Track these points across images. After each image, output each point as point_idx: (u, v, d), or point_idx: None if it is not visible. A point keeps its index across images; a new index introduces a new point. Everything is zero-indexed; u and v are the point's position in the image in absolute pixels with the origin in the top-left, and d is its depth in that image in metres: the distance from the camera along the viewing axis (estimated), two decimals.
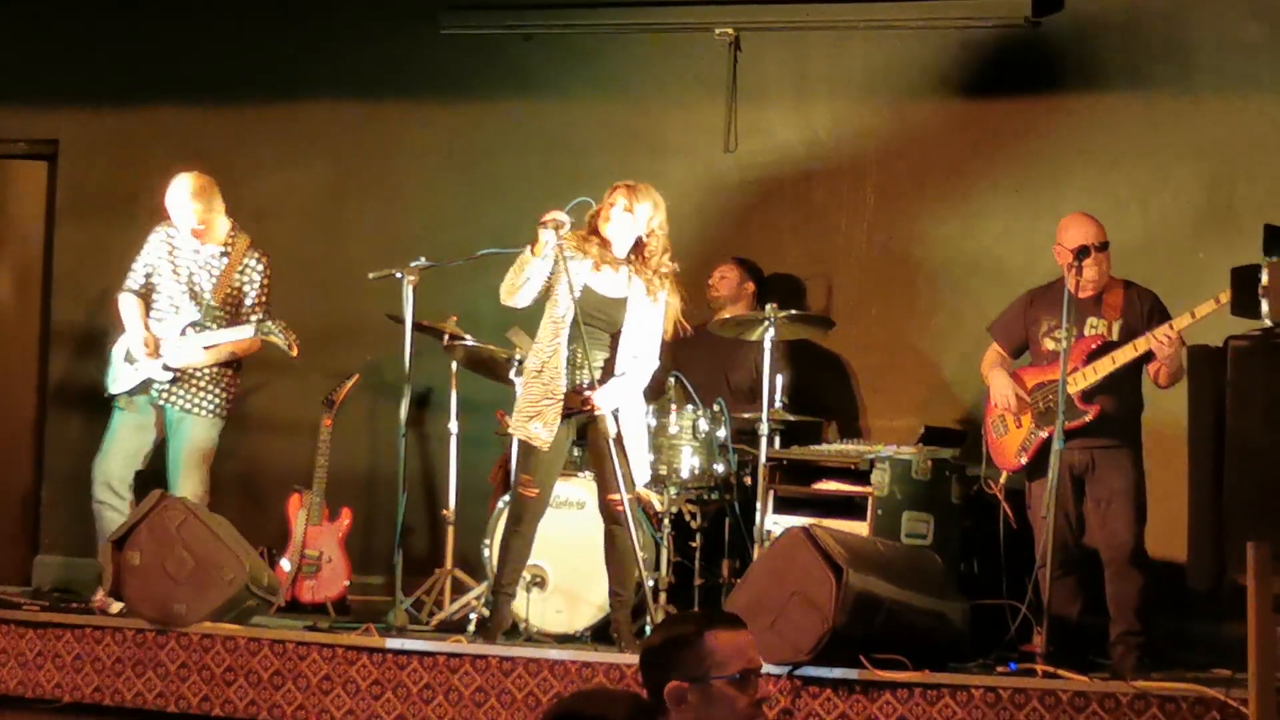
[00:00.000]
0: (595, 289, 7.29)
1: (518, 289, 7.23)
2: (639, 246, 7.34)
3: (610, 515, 7.25)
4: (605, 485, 7.26)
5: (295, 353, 8.05)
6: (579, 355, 7.20)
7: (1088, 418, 7.27)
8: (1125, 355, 7.26)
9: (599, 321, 7.27)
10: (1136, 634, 7.23)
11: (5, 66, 9.84)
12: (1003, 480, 7.59)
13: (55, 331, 9.83)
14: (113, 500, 8.05)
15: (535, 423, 7.20)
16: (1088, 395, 7.30)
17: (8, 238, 10.30)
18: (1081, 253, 7.24)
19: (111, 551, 7.42)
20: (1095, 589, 7.37)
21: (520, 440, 7.34)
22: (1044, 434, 7.35)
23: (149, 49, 9.71)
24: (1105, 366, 7.28)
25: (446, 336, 8.29)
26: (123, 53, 9.75)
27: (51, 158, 9.94)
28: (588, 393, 7.16)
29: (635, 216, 7.30)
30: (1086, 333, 7.40)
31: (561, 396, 7.20)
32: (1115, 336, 7.37)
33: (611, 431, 7.16)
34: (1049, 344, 7.48)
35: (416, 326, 7.74)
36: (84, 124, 9.82)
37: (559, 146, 9.11)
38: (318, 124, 9.60)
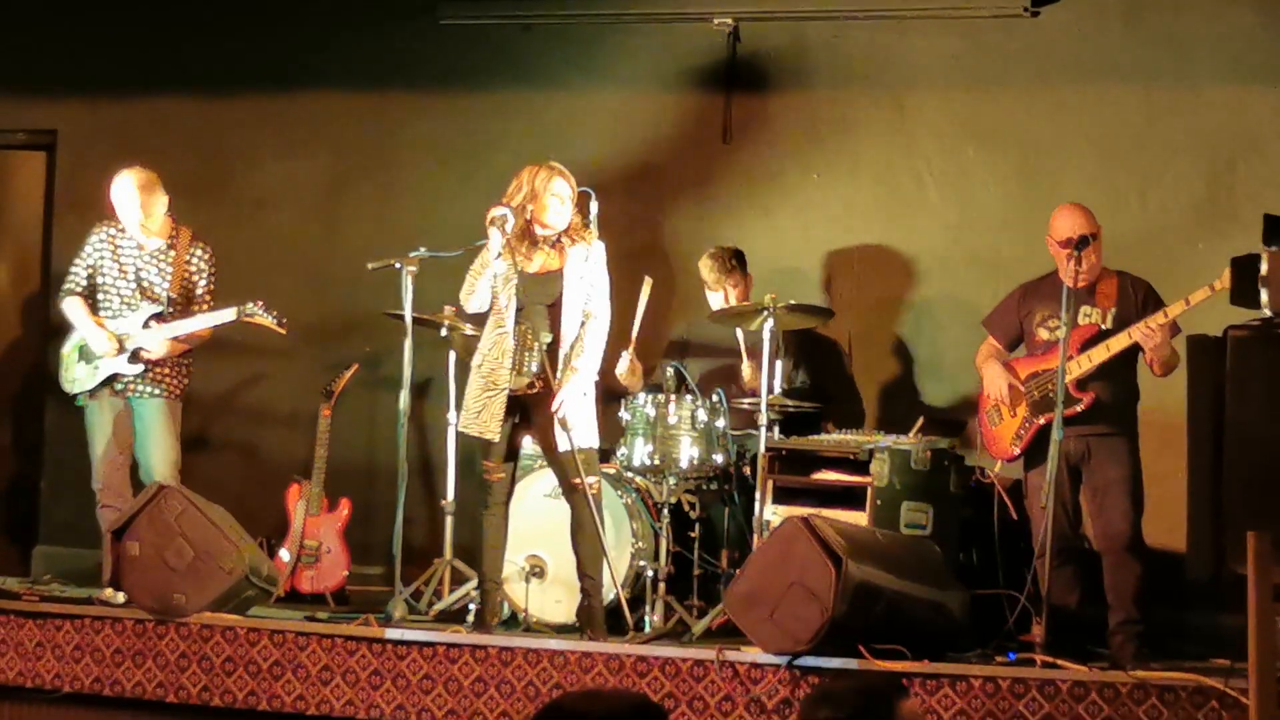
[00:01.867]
0: (529, 270, 7.37)
1: (476, 291, 7.34)
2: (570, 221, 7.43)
3: (576, 499, 7.30)
4: (563, 470, 7.32)
5: (284, 330, 8.09)
6: (528, 337, 7.26)
7: (1080, 406, 7.28)
8: (1119, 343, 7.27)
9: (537, 300, 7.33)
10: (1135, 622, 7.23)
11: (3, 56, 9.83)
12: (997, 469, 7.60)
13: (55, 322, 9.79)
14: (117, 503, 8.05)
15: (483, 416, 7.28)
16: (1082, 384, 7.32)
17: (6, 229, 10.29)
18: (1081, 243, 7.25)
19: (110, 542, 7.42)
20: (1093, 578, 7.37)
21: None
22: (1039, 421, 7.36)
23: (148, 39, 9.71)
24: (1099, 355, 7.29)
25: (445, 327, 8.28)
26: (121, 43, 9.74)
27: (50, 148, 9.93)
28: (556, 408, 7.21)
29: (574, 196, 7.37)
30: (1080, 322, 7.40)
31: (505, 386, 7.25)
32: (1109, 325, 7.39)
33: (562, 425, 7.23)
34: (1043, 334, 7.49)
35: (415, 320, 7.75)
36: (82, 114, 9.81)
37: (557, 136, 9.09)
38: (316, 115, 9.60)
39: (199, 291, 8.19)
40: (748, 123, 9.01)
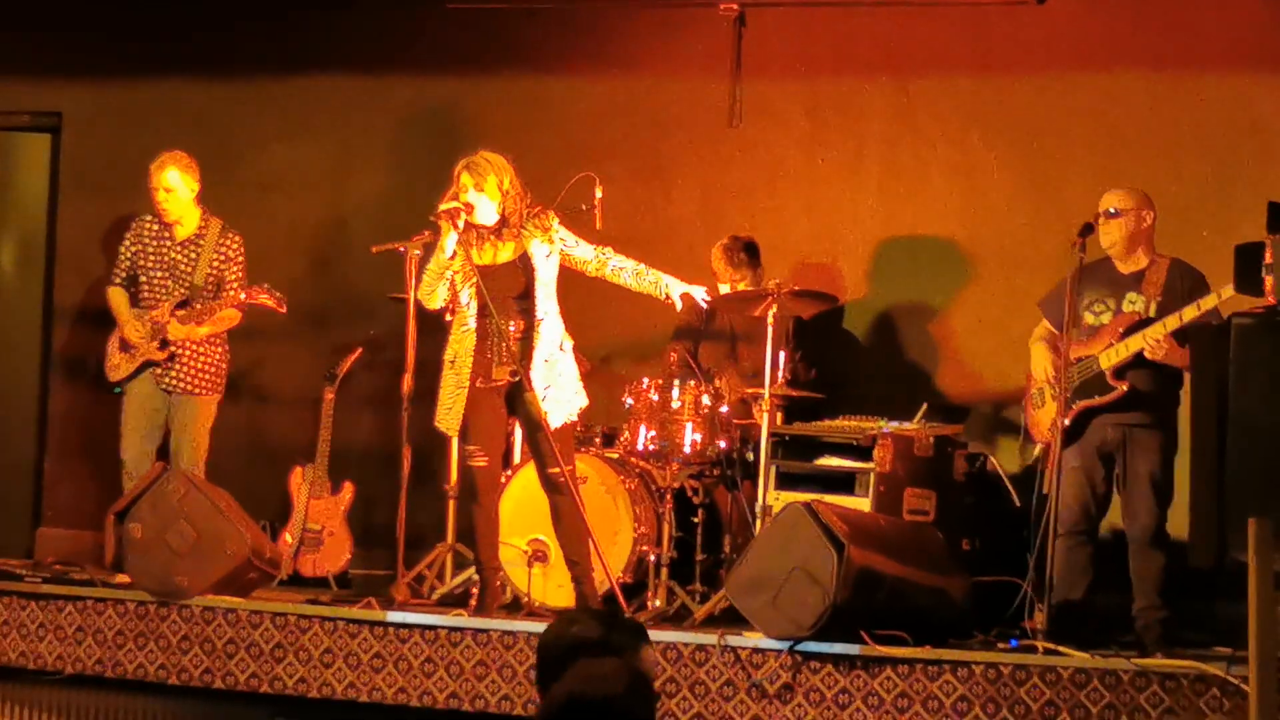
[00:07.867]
0: (486, 263, 7.39)
1: (435, 292, 7.37)
2: (503, 212, 7.41)
3: (552, 486, 7.33)
4: (542, 458, 7.34)
5: (284, 310, 8.27)
6: (499, 327, 7.28)
7: (1114, 394, 7.26)
8: (1155, 334, 7.20)
9: (501, 292, 7.34)
10: (1157, 608, 7.22)
11: (8, 38, 9.82)
12: (1036, 452, 7.53)
13: (58, 305, 9.83)
14: None
15: (455, 412, 7.36)
16: (1120, 372, 7.27)
17: (11, 210, 10.30)
18: (1085, 229, 7.24)
19: (113, 524, 7.43)
20: (1110, 565, 7.37)
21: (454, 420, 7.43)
22: (1078, 405, 7.34)
23: (153, 21, 9.69)
24: (1136, 344, 7.24)
25: (448, 310, 8.28)
26: (127, 25, 9.72)
27: (55, 130, 9.92)
28: (530, 394, 7.25)
29: (487, 193, 7.35)
30: (1124, 308, 7.36)
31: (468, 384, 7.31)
32: (1152, 314, 7.30)
33: (548, 419, 7.26)
34: (1089, 318, 7.44)
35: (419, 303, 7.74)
36: (88, 96, 9.80)
37: (563, 121, 9.09)
38: (322, 98, 9.59)
39: (228, 279, 8.34)
40: (753, 108, 8.99)
